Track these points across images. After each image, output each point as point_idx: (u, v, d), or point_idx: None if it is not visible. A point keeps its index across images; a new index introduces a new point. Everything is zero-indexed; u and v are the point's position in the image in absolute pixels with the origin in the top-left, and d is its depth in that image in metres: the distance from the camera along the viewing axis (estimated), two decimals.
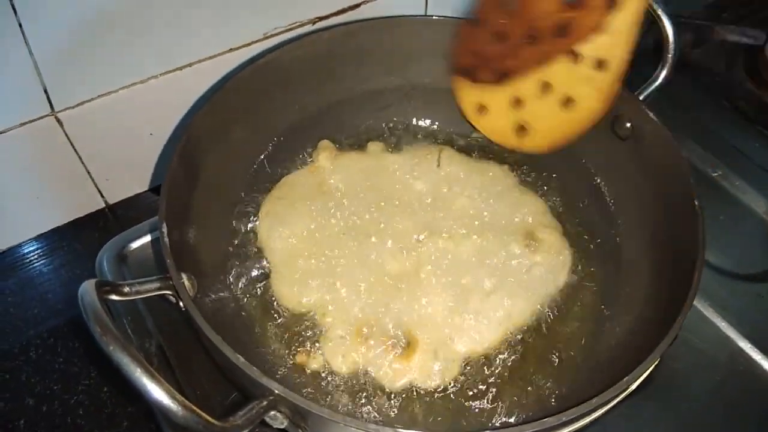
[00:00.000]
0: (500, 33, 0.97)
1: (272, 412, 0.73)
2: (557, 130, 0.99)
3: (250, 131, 1.11)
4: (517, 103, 0.99)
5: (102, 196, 1.24)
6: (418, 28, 1.17)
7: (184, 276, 0.82)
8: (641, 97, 1.05)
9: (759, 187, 1.24)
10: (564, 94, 0.97)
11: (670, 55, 1.04)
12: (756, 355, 1.04)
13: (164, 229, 0.82)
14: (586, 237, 1.11)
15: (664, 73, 1.05)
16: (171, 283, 0.79)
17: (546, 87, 0.97)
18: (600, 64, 0.93)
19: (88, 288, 0.69)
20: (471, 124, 1.10)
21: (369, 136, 1.23)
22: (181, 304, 0.79)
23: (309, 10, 1.20)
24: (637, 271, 1.02)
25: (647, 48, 1.47)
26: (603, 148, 1.11)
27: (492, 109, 1.00)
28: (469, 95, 1.02)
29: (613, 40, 0.91)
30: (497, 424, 0.91)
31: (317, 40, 1.12)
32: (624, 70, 0.92)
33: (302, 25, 1.21)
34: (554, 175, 1.18)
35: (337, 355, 0.96)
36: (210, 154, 1.01)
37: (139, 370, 0.62)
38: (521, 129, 1.01)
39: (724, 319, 1.07)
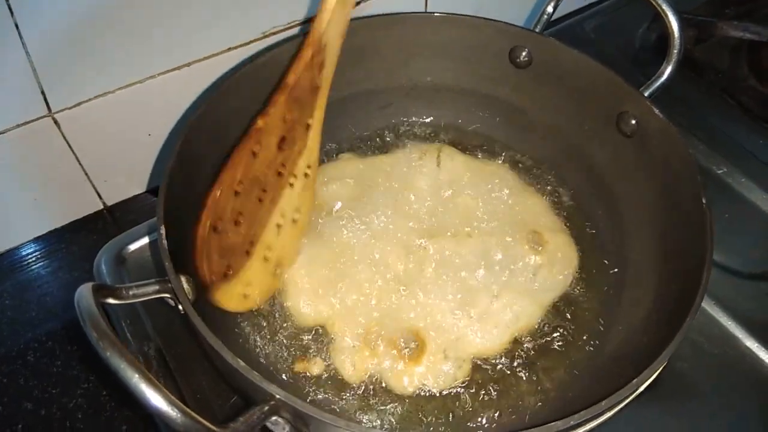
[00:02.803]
0: (236, 217, 0.94)
1: (274, 418, 0.72)
2: (296, 243, 1.05)
3: None
4: (267, 251, 0.99)
5: (100, 198, 1.23)
6: (418, 26, 1.16)
7: (183, 278, 0.81)
8: (646, 94, 1.04)
9: (764, 184, 1.22)
10: (292, 216, 1.02)
11: (675, 51, 1.03)
12: (764, 355, 1.03)
13: (162, 231, 0.81)
14: (591, 236, 1.10)
15: (669, 70, 1.04)
16: (170, 286, 0.77)
17: (280, 220, 1.00)
18: (306, 174, 1.01)
19: (84, 292, 0.68)
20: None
21: (369, 136, 1.22)
22: (180, 307, 0.78)
23: (308, 8, 1.19)
24: (644, 271, 1.01)
25: (649, 44, 1.47)
26: (608, 145, 1.10)
27: (254, 280, 0.98)
28: (234, 290, 0.96)
29: (312, 152, 1.00)
30: (506, 427, 0.91)
31: None
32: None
33: (301, 23, 1.20)
34: (557, 173, 1.17)
35: (346, 360, 0.95)
36: (208, 155, 1.00)
37: (136, 375, 0.60)
38: (277, 266, 1.02)
39: (730, 318, 1.06)
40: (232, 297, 0.94)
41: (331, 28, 0.92)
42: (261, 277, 0.99)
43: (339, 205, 1.10)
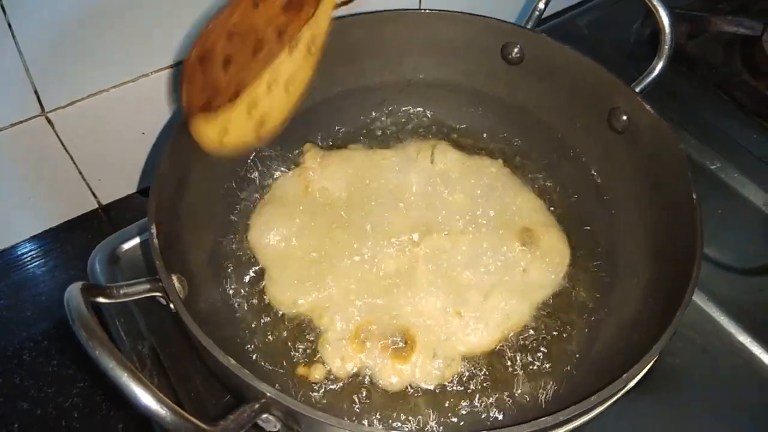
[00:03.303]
0: (227, 58, 0.98)
1: (265, 415, 0.72)
2: (285, 109, 1.04)
3: None
4: (251, 107, 1.00)
5: (95, 197, 1.23)
6: (411, 23, 1.16)
7: (174, 277, 0.81)
8: (638, 89, 1.04)
9: (757, 179, 1.22)
10: (286, 81, 1.02)
11: (666, 47, 1.03)
12: (756, 350, 1.03)
13: (153, 230, 0.81)
14: (583, 232, 1.10)
15: (660, 65, 1.04)
16: (161, 284, 0.78)
17: (272, 81, 1.01)
18: (309, 47, 1.01)
19: (74, 291, 0.68)
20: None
21: (363, 132, 1.22)
22: (171, 305, 0.78)
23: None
24: (635, 266, 1.01)
25: (643, 39, 1.47)
26: (599, 141, 1.10)
27: (232, 128, 0.99)
28: (210, 128, 0.98)
29: (321, 21, 1.00)
30: (495, 424, 0.91)
31: None
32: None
33: None
34: (549, 170, 1.17)
35: (335, 357, 0.95)
36: (200, 154, 0.99)
37: (125, 375, 0.61)
38: (259, 125, 1.03)
39: (723, 313, 1.06)
40: (206, 134, 0.95)
41: None
42: (240, 128, 0.99)
43: (330, 202, 1.10)
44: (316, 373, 0.95)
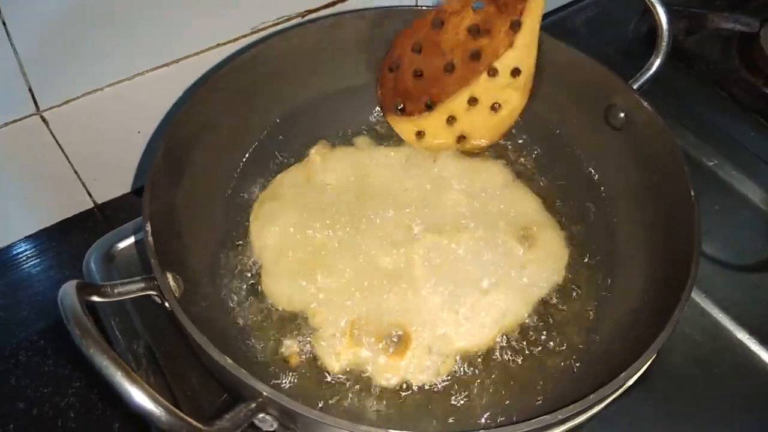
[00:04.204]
0: (417, 71, 1.14)
1: (261, 415, 0.72)
2: (492, 130, 1.16)
3: (237, 127, 1.09)
4: (451, 120, 1.14)
5: (90, 196, 1.23)
6: (408, 20, 1.15)
7: (169, 276, 0.80)
8: (635, 86, 1.04)
9: (755, 176, 1.22)
10: (490, 102, 1.12)
11: (664, 43, 1.03)
12: (754, 346, 1.03)
13: (148, 228, 0.81)
14: (581, 231, 1.10)
15: (658, 62, 1.04)
16: (156, 283, 0.77)
17: (473, 101, 1.12)
18: (515, 72, 1.09)
19: (68, 290, 0.68)
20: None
21: (359, 130, 1.22)
22: (166, 304, 0.77)
23: (297, 3, 1.19)
24: (633, 264, 1.01)
25: (641, 36, 1.47)
26: (597, 138, 1.10)
27: (429, 132, 1.15)
28: (406, 126, 1.17)
29: (522, 52, 1.07)
30: (492, 422, 0.90)
31: (305, 33, 1.10)
32: (534, 69, 1.09)
33: (290, 18, 1.20)
34: (547, 167, 1.17)
35: (330, 353, 0.95)
36: (196, 151, 1.00)
37: (119, 373, 0.60)
38: (461, 138, 1.16)
39: (721, 310, 1.06)
40: (401, 129, 1.17)
41: None
42: (437, 134, 1.16)
43: (329, 199, 1.09)
44: (306, 362, 0.95)
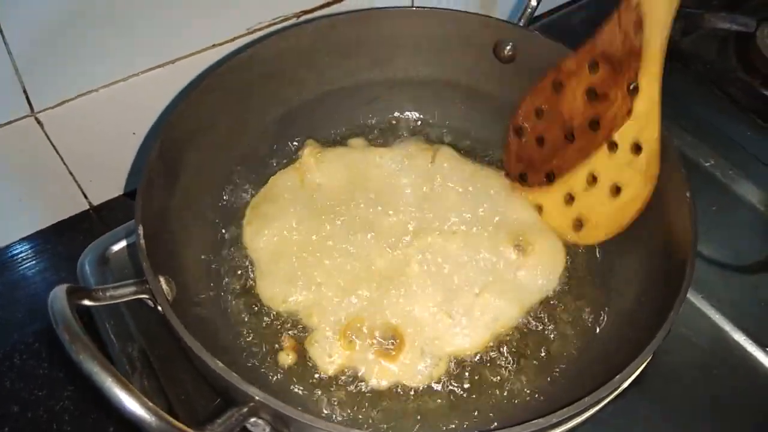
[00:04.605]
0: (540, 138, 1.07)
1: (253, 419, 0.71)
2: (610, 219, 1.01)
3: (233, 127, 1.09)
4: (570, 199, 1.05)
5: (86, 198, 1.22)
6: (404, 20, 1.15)
7: (161, 279, 0.80)
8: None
9: (752, 176, 1.22)
10: (610, 183, 0.99)
11: None
12: (751, 348, 1.03)
13: (140, 231, 0.80)
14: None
15: None
16: (148, 286, 0.77)
17: (593, 179, 1.01)
18: (636, 148, 0.94)
19: (58, 294, 0.68)
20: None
21: (355, 131, 1.22)
22: (159, 308, 0.77)
23: (293, 3, 1.18)
24: (630, 265, 1.01)
25: None
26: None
27: (547, 208, 1.09)
28: (527, 196, 1.11)
29: (641, 123, 0.93)
30: (485, 425, 0.90)
31: (300, 33, 1.10)
32: (659, 149, 0.93)
33: (287, 19, 1.19)
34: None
35: (324, 355, 0.95)
36: (190, 153, 0.99)
37: (109, 379, 0.60)
38: (577, 223, 1.05)
39: (718, 311, 1.06)
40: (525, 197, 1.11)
41: None
42: (553, 212, 1.08)
43: (324, 200, 1.09)
44: (299, 365, 0.95)
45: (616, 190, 0.98)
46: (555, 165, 1.05)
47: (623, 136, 0.95)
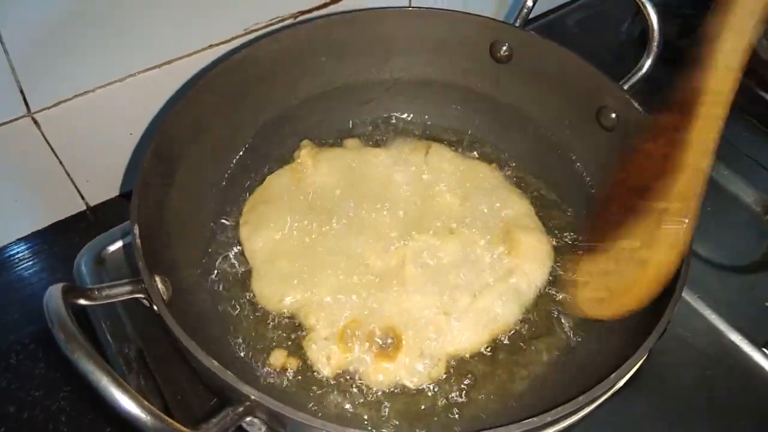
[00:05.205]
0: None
1: (249, 418, 0.71)
2: (631, 295, 0.91)
3: (228, 128, 1.09)
4: (605, 270, 0.96)
5: (82, 198, 1.22)
6: (400, 21, 1.15)
7: (157, 278, 0.80)
8: (626, 87, 1.04)
9: (748, 177, 1.22)
10: (636, 254, 0.90)
11: (655, 44, 1.03)
12: (746, 348, 1.03)
13: (136, 231, 0.80)
14: (572, 233, 1.10)
15: (648, 63, 1.04)
16: (143, 286, 0.77)
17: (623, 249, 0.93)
18: (663, 213, 0.88)
19: (54, 293, 0.68)
20: None
21: (351, 131, 1.22)
22: (154, 307, 0.77)
23: (290, 4, 1.18)
24: None
25: (633, 38, 1.47)
26: (589, 139, 1.10)
27: (582, 280, 1.01)
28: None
29: (672, 194, 0.88)
30: (482, 424, 0.90)
31: (295, 34, 1.10)
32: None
33: (283, 19, 1.19)
34: (539, 168, 1.17)
35: (321, 356, 0.94)
36: (186, 153, 0.99)
37: (105, 378, 0.60)
38: (601, 299, 0.97)
39: (714, 311, 1.06)
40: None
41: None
42: (588, 285, 0.99)
43: (320, 201, 1.09)
44: (296, 365, 0.95)
45: (644, 262, 0.89)
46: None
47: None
